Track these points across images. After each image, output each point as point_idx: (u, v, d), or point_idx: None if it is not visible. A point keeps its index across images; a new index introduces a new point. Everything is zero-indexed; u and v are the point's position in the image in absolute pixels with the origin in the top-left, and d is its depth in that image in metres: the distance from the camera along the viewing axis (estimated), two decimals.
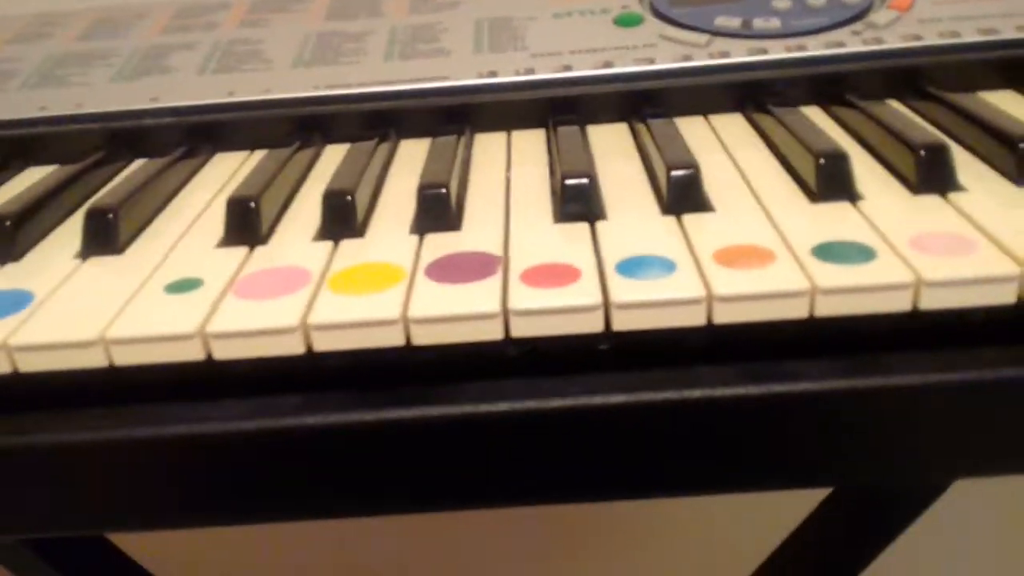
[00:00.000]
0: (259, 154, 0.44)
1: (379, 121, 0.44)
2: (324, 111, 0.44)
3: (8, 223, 0.34)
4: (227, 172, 0.42)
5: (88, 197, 0.40)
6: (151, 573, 0.64)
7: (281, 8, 0.53)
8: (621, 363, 0.29)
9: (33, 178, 0.43)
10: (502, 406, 0.28)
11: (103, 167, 0.42)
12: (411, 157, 0.41)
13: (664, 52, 0.44)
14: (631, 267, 0.29)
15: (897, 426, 0.29)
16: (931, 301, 0.27)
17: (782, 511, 0.65)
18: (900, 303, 0.27)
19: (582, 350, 0.29)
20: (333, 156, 0.42)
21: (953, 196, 0.32)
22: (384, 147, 0.42)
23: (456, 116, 0.44)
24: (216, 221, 0.36)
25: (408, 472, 0.29)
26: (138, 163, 0.44)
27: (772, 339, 0.28)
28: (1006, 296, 0.27)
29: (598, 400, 0.28)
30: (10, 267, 0.33)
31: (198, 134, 0.44)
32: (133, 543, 0.63)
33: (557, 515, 0.90)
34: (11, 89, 0.47)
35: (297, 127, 0.44)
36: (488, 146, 0.42)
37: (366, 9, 0.52)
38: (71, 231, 0.36)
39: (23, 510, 0.30)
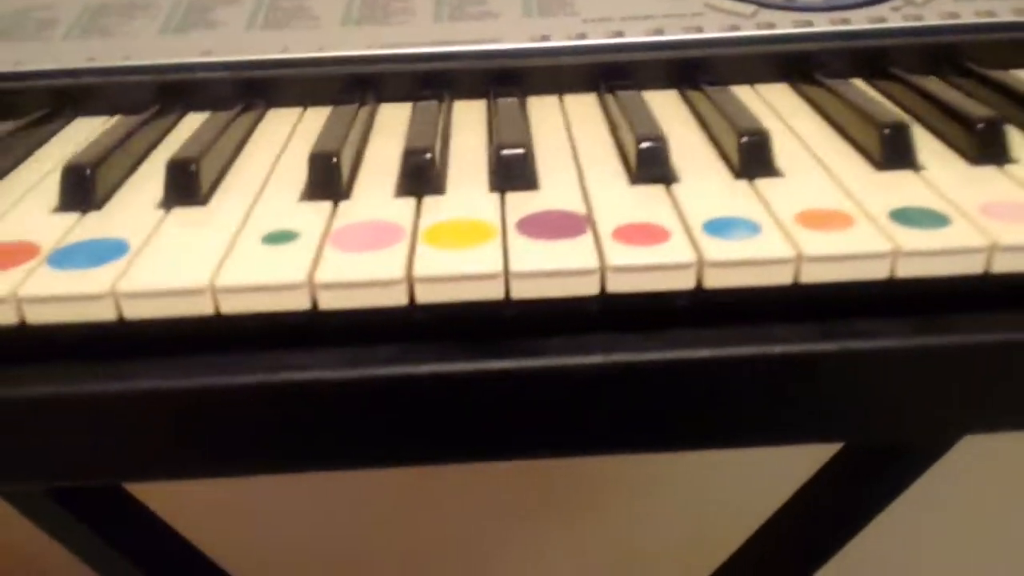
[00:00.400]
0: (313, 111, 0.44)
1: (432, 82, 0.44)
2: (378, 70, 0.44)
3: (88, 171, 0.34)
4: (286, 128, 0.42)
5: (152, 148, 0.40)
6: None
7: None
8: (704, 320, 0.30)
9: (84, 129, 0.43)
10: (595, 358, 0.30)
11: (159, 119, 0.42)
12: (470, 118, 0.42)
13: (712, 21, 0.45)
14: (718, 227, 0.30)
15: (962, 381, 0.31)
16: (1003, 264, 0.29)
17: (784, 469, 0.68)
18: (974, 266, 0.29)
19: (668, 307, 0.30)
20: (391, 114, 0.43)
21: (1009, 167, 0.34)
22: (443, 107, 0.42)
23: (508, 79, 0.44)
24: (292, 175, 0.36)
25: (498, 421, 0.31)
26: (192, 116, 0.44)
27: (849, 299, 0.30)
28: None
29: (686, 353, 0.30)
30: (93, 215, 0.34)
31: (252, 89, 0.44)
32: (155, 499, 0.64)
33: (564, 468, 0.92)
34: (55, 38, 0.46)
35: (350, 85, 0.44)
36: (543, 109, 0.43)
37: None
38: (145, 181, 0.37)
39: (114, 455, 0.31)
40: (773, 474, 0.71)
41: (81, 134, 0.42)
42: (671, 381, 0.30)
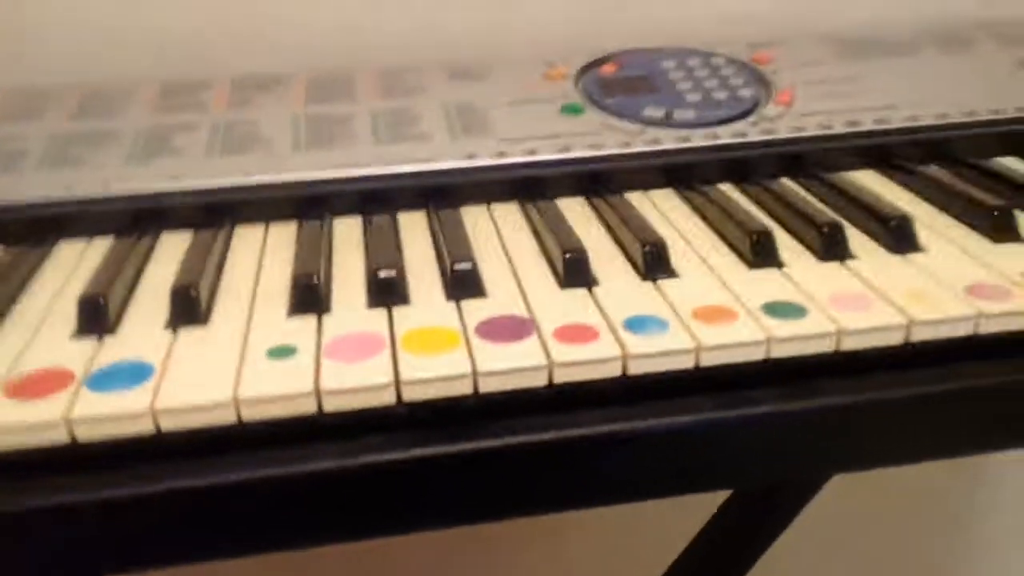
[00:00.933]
0: (276, 226, 0.50)
1: (377, 197, 0.51)
2: (329, 190, 0.51)
3: (101, 300, 0.40)
4: (256, 245, 0.48)
5: (142, 270, 0.46)
6: None
7: (262, 90, 0.60)
8: (629, 398, 0.38)
9: (70, 254, 0.48)
10: (547, 435, 0.37)
11: (140, 241, 0.48)
12: (416, 229, 0.50)
13: (609, 138, 0.54)
14: (635, 324, 0.39)
15: (826, 432, 0.40)
16: (849, 344, 0.38)
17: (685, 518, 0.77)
18: (827, 346, 0.38)
19: (600, 390, 0.38)
20: (346, 228, 0.50)
21: (849, 263, 0.44)
22: (391, 221, 0.49)
23: (442, 192, 0.52)
24: (274, 292, 0.43)
25: (471, 490, 0.38)
26: (167, 236, 0.49)
27: (736, 375, 0.39)
28: (896, 339, 0.39)
29: (615, 427, 0.38)
30: (110, 339, 0.39)
31: (219, 211, 0.50)
32: None
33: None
34: (28, 168, 0.51)
35: (305, 204, 0.51)
36: (475, 218, 0.51)
37: (341, 92, 0.59)
38: (146, 303, 0.42)
39: (152, 544, 0.36)
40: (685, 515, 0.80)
41: (69, 260, 0.47)
42: (606, 449, 0.38)
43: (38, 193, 0.49)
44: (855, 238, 0.46)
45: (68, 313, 0.41)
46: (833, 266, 0.44)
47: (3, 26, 0.65)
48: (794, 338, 0.38)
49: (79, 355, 0.38)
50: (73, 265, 0.47)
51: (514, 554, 1.01)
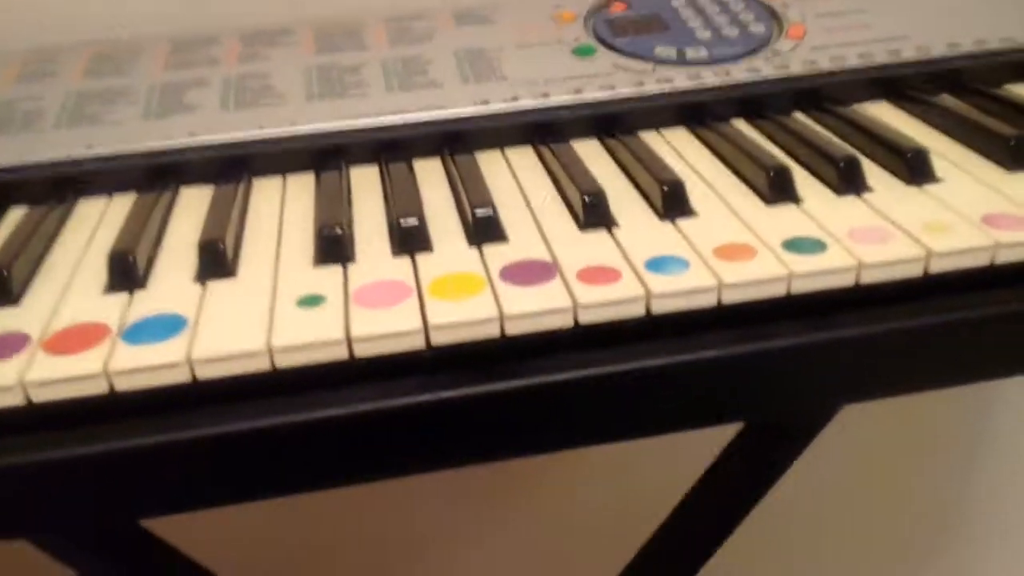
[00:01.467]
0: (293, 177, 0.51)
1: (392, 146, 0.52)
2: (344, 140, 0.51)
3: (131, 257, 0.40)
4: (276, 197, 0.49)
5: (165, 225, 0.46)
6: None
7: (271, 43, 0.59)
8: (653, 335, 0.39)
9: (91, 211, 0.49)
10: (573, 373, 0.38)
11: (160, 196, 0.48)
12: (432, 176, 0.50)
13: (621, 79, 0.54)
14: (656, 265, 0.39)
15: (843, 362, 0.40)
16: (869, 277, 0.39)
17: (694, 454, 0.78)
18: (847, 280, 0.39)
19: (625, 329, 0.39)
20: (364, 177, 0.50)
21: (866, 196, 0.44)
22: (407, 168, 0.50)
23: (457, 139, 0.52)
24: (298, 242, 0.44)
25: (499, 428, 0.39)
26: (186, 190, 0.50)
27: (758, 311, 0.39)
28: (915, 271, 0.39)
29: (640, 364, 0.39)
30: (141, 294, 0.40)
31: (236, 164, 0.50)
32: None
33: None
34: (47, 128, 0.52)
35: (321, 155, 0.51)
36: (491, 163, 0.51)
37: (350, 42, 0.59)
38: (173, 258, 0.43)
39: (190, 488, 0.37)
40: (691, 454, 0.81)
41: (91, 217, 0.48)
42: (632, 384, 0.39)
43: (58, 152, 0.50)
44: (871, 171, 0.46)
45: (97, 269, 0.42)
46: (850, 200, 0.44)
47: None
48: (814, 273, 0.38)
49: (112, 310, 0.39)
50: (96, 222, 0.47)
51: (525, 493, 1.03)
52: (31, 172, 0.49)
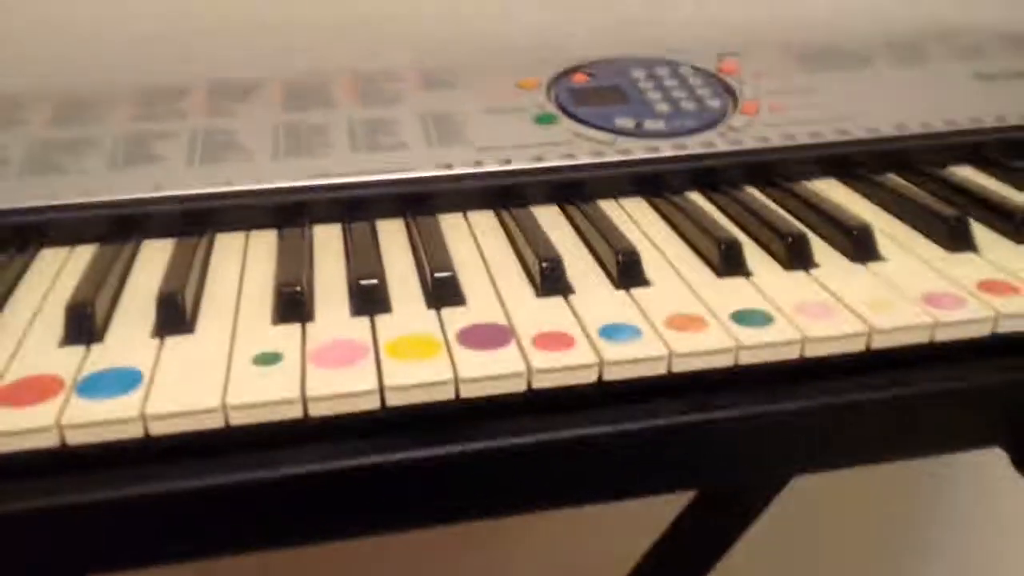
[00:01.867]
0: (256, 234, 0.51)
1: (356, 205, 0.53)
2: (308, 198, 0.52)
3: (88, 309, 0.41)
4: (238, 253, 0.49)
5: (125, 278, 0.46)
6: None
7: (240, 97, 0.60)
8: (604, 402, 0.40)
9: (52, 261, 0.49)
10: (527, 439, 0.39)
11: (121, 248, 0.48)
12: (394, 237, 0.51)
13: (581, 148, 0.56)
14: (610, 332, 0.40)
15: (788, 434, 0.42)
16: (813, 350, 0.40)
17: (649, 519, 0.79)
18: (792, 353, 0.40)
19: (577, 395, 0.40)
20: (326, 235, 0.51)
21: (813, 272, 0.46)
22: (369, 228, 0.51)
23: (420, 200, 0.53)
24: (258, 299, 0.44)
25: (450, 492, 0.39)
26: (148, 243, 0.50)
27: (707, 381, 0.40)
28: (858, 346, 0.41)
29: (591, 430, 0.39)
30: (97, 347, 0.40)
31: (200, 219, 0.51)
32: None
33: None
34: (11, 176, 0.52)
35: (285, 212, 0.52)
36: (452, 226, 0.52)
37: (318, 99, 0.60)
38: (131, 311, 0.43)
39: (140, 544, 0.37)
40: (647, 519, 0.82)
41: (51, 267, 0.48)
42: (582, 451, 0.39)
43: (21, 201, 0.50)
44: (819, 247, 0.48)
45: (54, 320, 0.42)
46: (798, 275, 0.45)
47: None
48: (761, 345, 0.40)
49: (68, 362, 0.39)
50: (56, 273, 0.47)
51: (490, 550, 1.03)
52: None
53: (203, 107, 0.59)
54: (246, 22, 0.68)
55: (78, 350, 0.40)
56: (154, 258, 0.48)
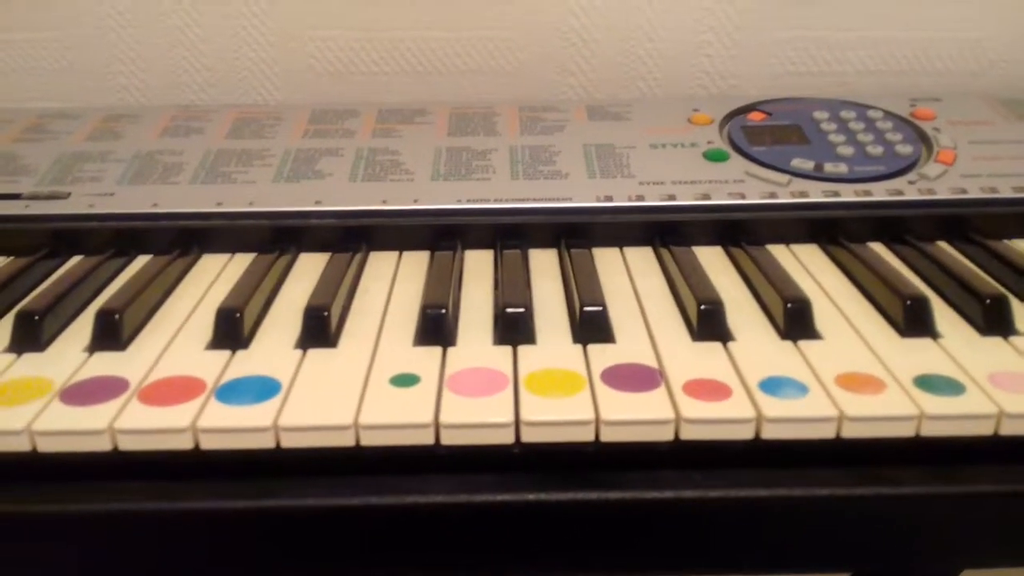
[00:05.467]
0: (409, 254, 0.51)
1: (511, 232, 0.51)
2: (464, 221, 0.51)
3: (238, 315, 0.41)
4: (389, 272, 0.49)
5: (278, 287, 0.47)
6: None
7: (406, 120, 0.61)
8: (759, 463, 0.36)
9: (212, 267, 0.50)
10: (667, 493, 0.35)
11: (279, 259, 0.49)
12: (545, 265, 0.49)
13: (752, 188, 0.52)
14: (771, 386, 0.37)
15: (974, 522, 0.36)
16: (1009, 428, 0.35)
17: None
18: (985, 429, 0.35)
19: (729, 452, 0.36)
20: (477, 260, 0.50)
21: (1013, 339, 0.40)
22: (521, 256, 0.49)
23: (576, 232, 0.51)
24: (403, 318, 0.43)
25: (582, 543, 0.36)
26: (304, 256, 0.51)
27: (880, 451, 0.36)
28: None
29: (742, 492, 0.36)
30: (242, 353, 0.40)
31: (356, 235, 0.51)
32: None
33: None
34: (183, 182, 0.54)
35: (439, 234, 0.51)
36: (608, 260, 0.50)
37: (482, 127, 0.60)
38: (280, 321, 0.43)
39: (269, 559, 0.36)
40: None
41: (211, 272, 0.49)
42: (729, 515, 0.36)
43: (189, 206, 0.51)
44: (1021, 313, 0.43)
45: (206, 324, 0.42)
46: (995, 341, 0.40)
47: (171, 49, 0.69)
48: (948, 416, 0.35)
49: (212, 366, 0.39)
50: (214, 278, 0.48)
51: None
52: (162, 222, 0.51)
53: (370, 128, 0.60)
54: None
55: (223, 355, 0.40)
56: (309, 270, 0.49)
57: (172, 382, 0.38)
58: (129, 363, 0.39)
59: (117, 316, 0.41)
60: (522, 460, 0.36)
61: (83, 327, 0.42)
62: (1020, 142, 0.57)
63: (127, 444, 0.35)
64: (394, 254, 0.51)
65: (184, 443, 0.35)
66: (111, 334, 0.41)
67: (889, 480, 0.36)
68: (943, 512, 0.36)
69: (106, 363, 0.39)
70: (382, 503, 0.35)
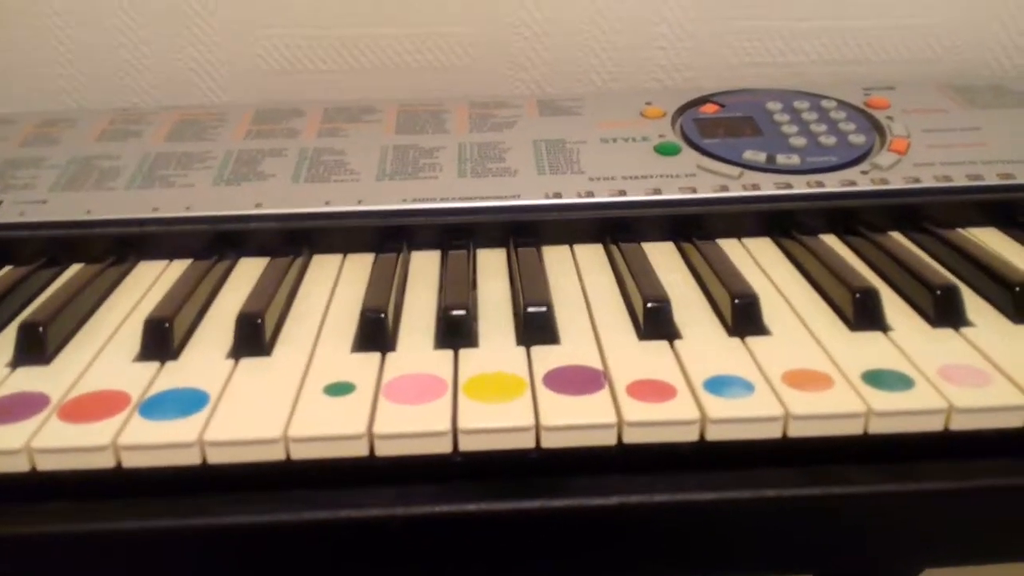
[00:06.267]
0: (353, 257, 0.49)
1: (458, 232, 0.50)
2: (410, 222, 0.50)
3: (167, 324, 0.39)
4: (331, 276, 0.47)
5: (214, 295, 0.45)
6: None
7: (353, 119, 0.59)
8: (705, 465, 0.35)
9: (148, 274, 0.48)
10: (612, 500, 0.34)
11: (217, 265, 0.47)
12: (493, 265, 0.48)
13: (704, 182, 0.51)
14: (717, 385, 0.35)
15: (930, 519, 0.35)
16: (960, 423, 0.34)
17: None
18: (934, 424, 0.34)
19: (674, 454, 0.35)
20: (423, 262, 0.48)
21: (965, 331, 0.39)
22: (468, 256, 0.48)
23: (524, 230, 0.50)
24: (342, 324, 0.42)
25: (526, 552, 0.35)
26: (245, 261, 0.49)
27: (828, 449, 0.35)
28: (1015, 421, 0.34)
29: (687, 496, 0.35)
30: (171, 365, 0.38)
31: (298, 238, 0.49)
32: None
33: None
34: (119, 188, 0.52)
35: (384, 235, 0.50)
36: (557, 258, 0.48)
37: (431, 124, 0.58)
38: (213, 330, 0.42)
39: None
40: None
41: (146, 280, 0.47)
42: (676, 519, 0.34)
43: (124, 212, 0.50)
44: (973, 304, 0.42)
45: (136, 334, 0.41)
46: (947, 333, 0.39)
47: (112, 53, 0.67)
48: (897, 412, 0.34)
49: (138, 379, 0.37)
50: (147, 285, 0.47)
51: None
52: (96, 230, 0.49)
53: (315, 128, 0.58)
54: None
55: (151, 367, 0.38)
56: (248, 276, 0.47)
57: (95, 397, 0.36)
58: (52, 378, 0.38)
59: (41, 329, 0.39)
60: (463, 469, 0.35)
61: (7, 341, 0.41)
62: (974, 129, 0.56)
63: (45, 464, 0.33)
64: (338, 257, 0.49)
65: (106, 461, 0.33)
66: (34, 348, 0.39)
67: (839, 479, 0.35)
68: (896, 510, 0.35)
69: (28, 378, 0.38)
70: (315, 518, 0.34)
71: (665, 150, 0.54)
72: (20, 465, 0.33)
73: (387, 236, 0.50)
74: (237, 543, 0.34)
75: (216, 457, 0.33)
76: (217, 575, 0.34)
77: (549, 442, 0.34)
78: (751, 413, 0.34)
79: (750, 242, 0.50)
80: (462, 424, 0.34)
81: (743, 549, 0.36)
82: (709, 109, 0.59)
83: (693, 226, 0.50)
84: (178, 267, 0.48)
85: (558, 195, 0.51)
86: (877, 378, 0.36)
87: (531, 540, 0.35)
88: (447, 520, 0.34)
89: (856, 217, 0.50)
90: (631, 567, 0.36)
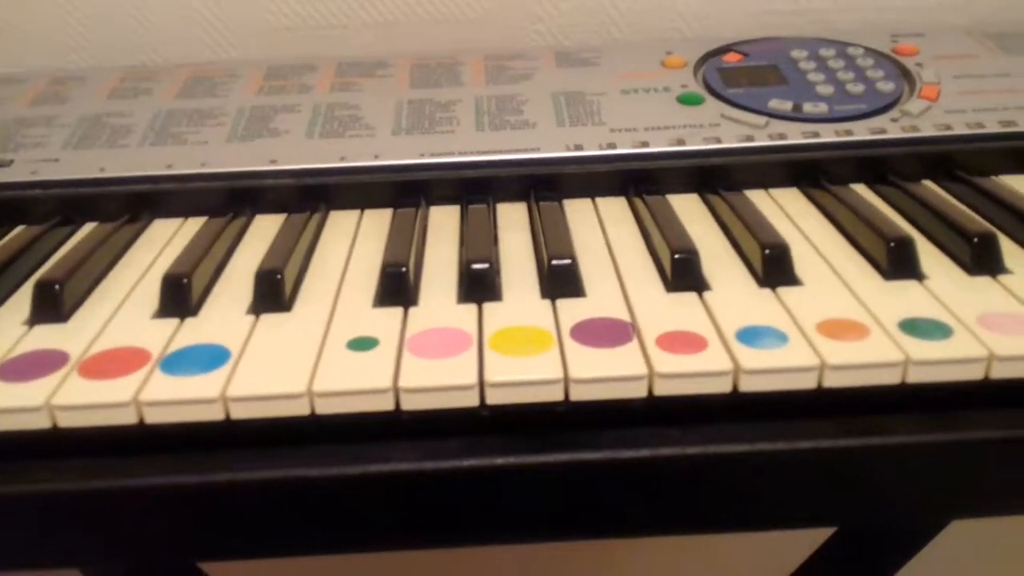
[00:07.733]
0: (370, 212, 0.48)
1: (477, 186, 0.49)
2: (428, 176, 0.49)
3: (185, 280, 0.38)
4: (349, 231, 0.46)
5: (231, 252, 0.44)
6: None
7: (367, 73, 0.58)
8: (738, 417, 0.34)
9: (163, 232, 0.47)
10: (643, 452, 0.34)
11: (232, 222, 0.46)
12: (514, 219, 0.47)
13: (728, 132, 0.50)
14: (749, 336, 0.35)
15: (966, 470, 0.35)
16: (1000, 372, 0.33)
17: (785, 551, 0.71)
18: (974, 373, 0.33)
19: (706, 406, 0.34)
20: (442, 216, 0.47)
21: (1002, 278, 0.38)
22: (489, 210, 0.47)
23: (546, 184, 0.49)
24: (362, 280, 0.41)
25: (555, 506, 0.34)
26: (261, 218, 0.48)
27: (865, 400, 0.34)
28: None
29: (719, 448, 0.34)
30: (191, 321, 0.38)
31: (314, 194, 0.48)
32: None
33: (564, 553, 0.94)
34: (132, 145, 0.51)
35: (403, 189, 0.49)
36: (579, 212, 0.47)
37: (446, 78, 0.57)
38: (231, 286, 0.41)
39: (222, 536, 0.34)
40: (773, 553, 0.74)
41: (161, 238, 0.46)
42: (707, 472, 0.34)
43: (138, 170, 0.49)
44: (1011, 251, 0.41)
45: (153, 292, 0.40)
46: (984, 281, 0.38)
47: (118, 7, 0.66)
48: (935, 361, 0.33)
49: (158, 336, 0.37)
50: (163, 243, 0.46)
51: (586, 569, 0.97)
52: (110, 188, 0.48)
53: (328, 83, 0.57)
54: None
55: (171, 323, 0.38)
56: (266, 233, 0.46)
57: (115, 354, 0.35)
58: (70, 336, 0.37)
59: (57, 287, 0.38)
60: (491, 423, 0.34)
61: (24, 300, 0.40)
62: (1006, 75, 0.54)
63: (67, 420, 0.33)
64: (355, 213, 0.48)
65: (128, 417, 0.33)
66: (51, 306, 0.38)
67: (876, 430, 0.34)
68: (934, 461, 0.34)
69: (46, 336, 0.37)
70: (343, 473, 0.33)
71: (688, 100, 0.53)
72: (41, 422, 0.33)
73: (405, 191, 0.49)
74: (261, 499, 0.34)
75: (239, 412, 0.33)
76: (242, 531, 0.34)
77: (578, 395, 0.33)
78: (786, 363, 0.33)
79: (777, 193, 0.49)
80: (489, 377, 0.33)
81: (777, 501, 0.35)
82: (732, 58, 0.57)
83: (718, 177, 0.49)
84: (193, 225, 0.48)
85: (579, 147, 0.49)
86: (914, 327, 0.35)
87: (560, 494, 0.34)
88: (475, 474, 0.34)
89: (886, 165, 0.49)
90: (663, 520, 0.35)
